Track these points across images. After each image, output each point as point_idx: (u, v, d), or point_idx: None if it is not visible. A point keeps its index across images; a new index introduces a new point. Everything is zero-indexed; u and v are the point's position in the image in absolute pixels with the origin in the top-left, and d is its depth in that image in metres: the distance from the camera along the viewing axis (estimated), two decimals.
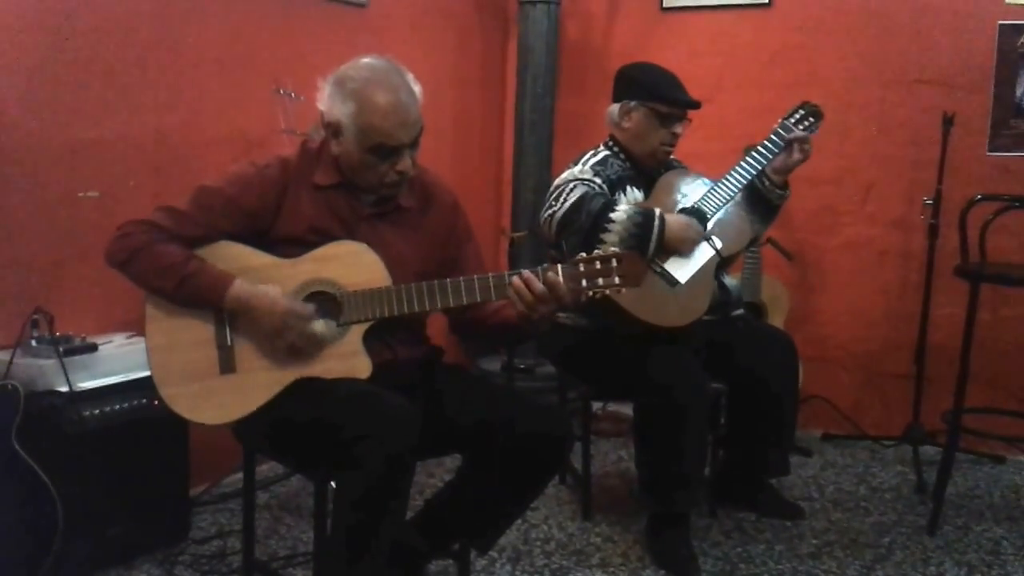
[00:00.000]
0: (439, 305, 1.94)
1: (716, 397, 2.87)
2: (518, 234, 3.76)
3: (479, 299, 1.95)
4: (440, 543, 2.21)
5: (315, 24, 3.29)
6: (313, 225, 2.00)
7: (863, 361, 3.91)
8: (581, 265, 1.92)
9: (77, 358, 2.40)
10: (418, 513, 2.19)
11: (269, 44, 3.11)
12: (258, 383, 1.93)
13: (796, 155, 2.76)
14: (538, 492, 2.12)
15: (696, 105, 2.80)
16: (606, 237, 2.56)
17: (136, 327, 2.50)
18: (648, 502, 2.72)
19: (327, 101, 1.98)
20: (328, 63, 2.04)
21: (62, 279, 2.58)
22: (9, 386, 2.24)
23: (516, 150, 4.15)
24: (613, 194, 2.72)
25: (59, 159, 2.55)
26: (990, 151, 3.65)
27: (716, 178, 2.80)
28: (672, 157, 2.92)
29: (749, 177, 2.77)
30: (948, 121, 3.53)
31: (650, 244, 2.59)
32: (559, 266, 1.93)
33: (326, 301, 1.96)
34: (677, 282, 2.65)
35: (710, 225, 2.72)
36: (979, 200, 2.88)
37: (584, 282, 1.92)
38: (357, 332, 1.95)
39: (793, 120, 2.80)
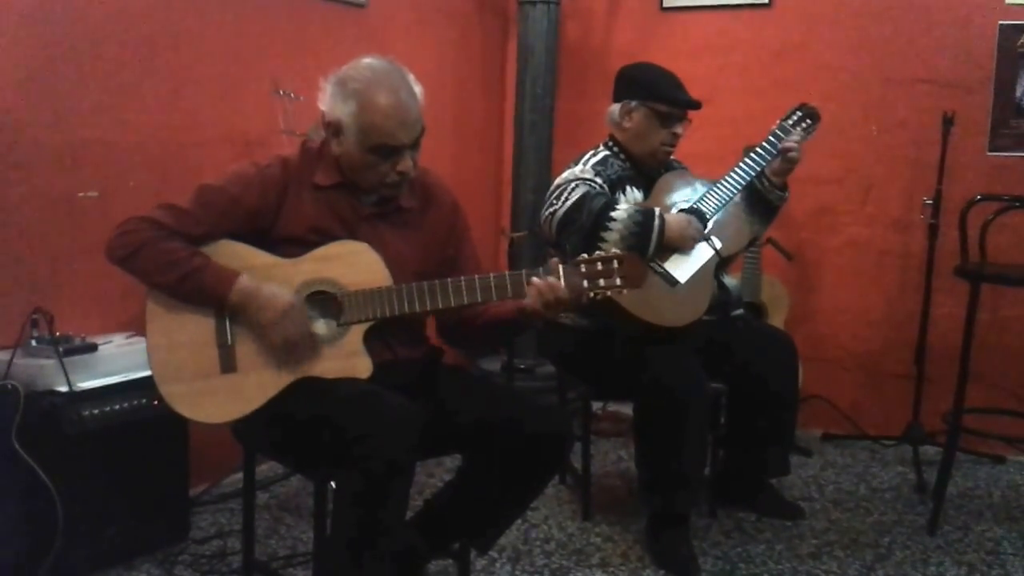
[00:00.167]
0: (440, 305, 1.94)
1: (716, 397, 2.87)
2: (518, 234, 3.76)
3: (480, 299, 1.95)
4: (440, 543, 2.21)
5: (315, 24, 3.29)
6: (314, 225, 2.00)
7: (863, 361, 3.91)
8: (583, 266, 1.93)
9: (77, 358, 2.40)
10: (418, 513, 2.19)
11: (269, 44, 3.11)
12: (258, 382, 1.93)
13: (786, 163, 2.77)
14: (538, 492, 2.12)
15: (696, 105, 2.80)
16: (607, 236, 2.56)
17: (136, 327, 2.51)
18: (648, 502, 2.72)
19: (328, 101, 1.98)
20: (328, 63, 2.04)
21: (62, 279, 2.58)
22: (9, 386, 2.24)
23: (516, 150, 4.15)
24: (613, 194, 2.72)
25: (59, 159, 2.55)
26: (990, 151, 3.65)
27: (716, 179, 2.80)
28: (672, 158, 2.92)
29: (748, 178, 2.77)
30: (948, 121, 3.53)
31: (650, 243, 2.59)
32: (560, 267, 1.93)
33: (327, 301, 1.96)
34: (677, 282, 2.65)
35: (709, 225, 2.73)
36: (979, 200, 2.88)
37: (586, 283, 1.93)
38: (358, 332, 1.95)
39: (791, 122, 2.81)
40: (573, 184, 2.68)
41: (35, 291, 2.48)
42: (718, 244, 2.72)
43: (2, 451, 2.22)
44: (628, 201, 2.74)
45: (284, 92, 2.99)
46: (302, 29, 3.24)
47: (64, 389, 2.33)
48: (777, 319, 3.71)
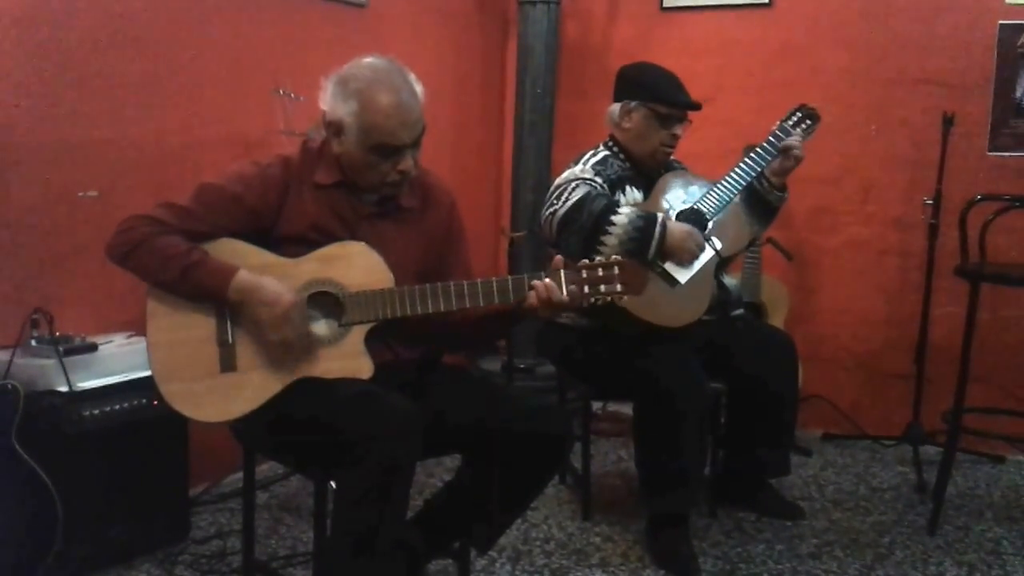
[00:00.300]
0: (442, 307, 1.94)
1: (716, 397, 2.87)
2: (518, 234, 3.76)
3: (481, 303, 1.95)
4: (440, 543, 2.21)
5: (315, 24, 3.29)
6: (314, 224, 2.00)
7: (863, 361, 3.91)
8: (583, 272, 1.94)
9: (77, 358, 2.40)
10: (418, 513, 2.19)
11: (269, 44, 3.11)
12: (259, 382, 1.93)
13: (788, 161, 2.77)
14: (538, 492, 2.12)
15: (696, 106, 2.80)
16: (606, 239, 2.56)
17: (136, 327, 2.51)
18: (648, 502, 2.72)
19: (329, 100, 1.98)
20: (328, 63, 2.04)
21: (62, 279, 2.58)
22: (9, 386, 2.24)
23: (516, 150, 4.15)
24: (613, 194, 2.72)
25: (59, 159, 2.55)
26: (990, 151, 3.65)
27: (716, 179, 2.80)
28: (672, 158, 2.92)
29: (748, 178, 2.77)
30: (948, 121, 3.53)
31: (650, 249, 2.59)
32: (562, 272, 1.93)
33: (328, 301, 1.96)
34: (677, 282, 2.65)
35: (710, 226, 2.73)
36: (979, 200, 2.88)
37: (586, 288, 1.93)
38: (359, 333, 1.95)
39: (791, 123, 2.81)
40: (574, 184, 2.68)
41: (35, 291, 2.48)
42: (718, 244, 2.72)
43: (2, 451, 2.22)
44: (628, 201, 2.73)
45: (284, 92, 2.98)
46: (302, 29, 3.24)
47: (64, 389, 2.33)
48: (777, 319, 3.71)
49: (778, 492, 3.05)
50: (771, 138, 2.79)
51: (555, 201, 2.68)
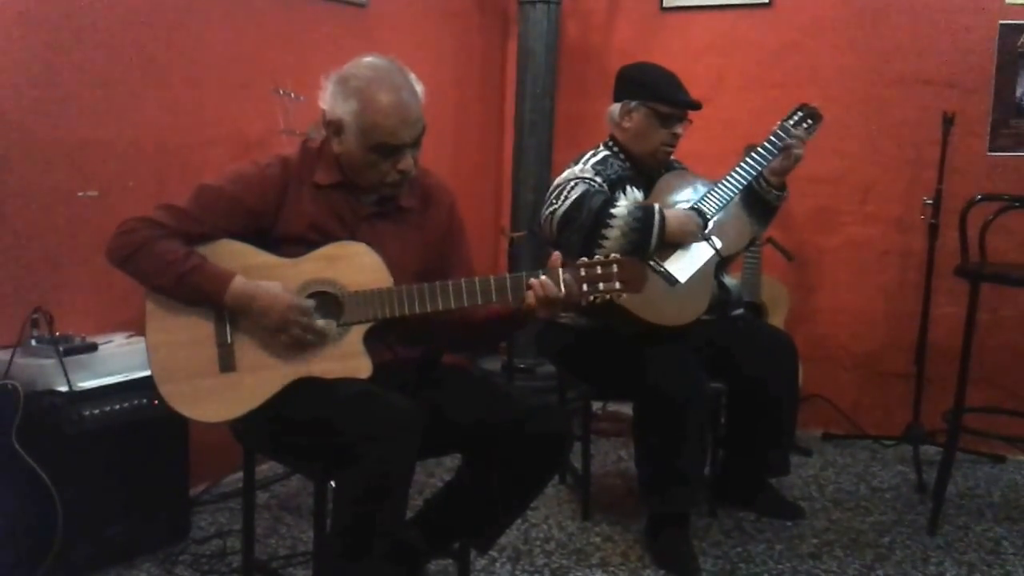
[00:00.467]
0: (440, 306, 1.94)
1: (716, 397, 2.87)
2: (518, 234, 3.76)
3: (480, 301, 1.95)
4: (440, 543, 2.21)
5: (315, 24, 3.29)
6: (314, 224, 2.00)
7: (863, 361, 3.91)
8: (582, 270, 1.94)
9: (77, 358, 2.40)
10: (418, 513, 2.19)
11: (269, 44, 3.11)
12: (258, 382, 1.93)
13: (787, 161, 2.77)
14: (538, 492, 2.11)
15: (697, 106, 2.80)
16: (607, 233, 2.56)
17: (136, 327, 2.50)
18: (648, 502, 2.72)
19: (329, 100, 1.98)
20: (328, 63, 2.04)
21: (62, 279, 2.58)
22: (9, 386, 2.25)
23: (516, 150, 4.16)
24: (613, 194, 2.72)
25: (59, 159, 2.55)
26: (990, 151, 3.65)
27: (716, 179, 2.80)
28: (672, 158, 2.92)
29: (748, 178, 2.77)
30: (948, 121, 3.53)
31: (651, 239, 2.59)
32: (560, 270, 1.93)
33: (327, 301, 1.96)
34: (677, 281, 2.65)
35: (710, 226, 2.73)
36: (979, 200, 2.88)
37: (585, 287, 1.94)
38: (358, 332, 1.95)
39: (792, 122, 2.80)
40: (573, 183, 2.68)
41: (35, 291, 2.48)
42: (718, 244, 2.72)
43: (2, 451, 2.22)
44: (628, 201, 2.73)
45: (284, 92, 2.98)
46: (302, 29, 3.24)
47: (64, 389, 2.33)
48: (777, 319, 3.71)
49: (778, 492, 3.05)
50: (772, 138, 2.79)
51: (555, 200, 2.68)
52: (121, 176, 2.70)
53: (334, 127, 1.99)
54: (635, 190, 2.79)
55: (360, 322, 1.95)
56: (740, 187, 2.76)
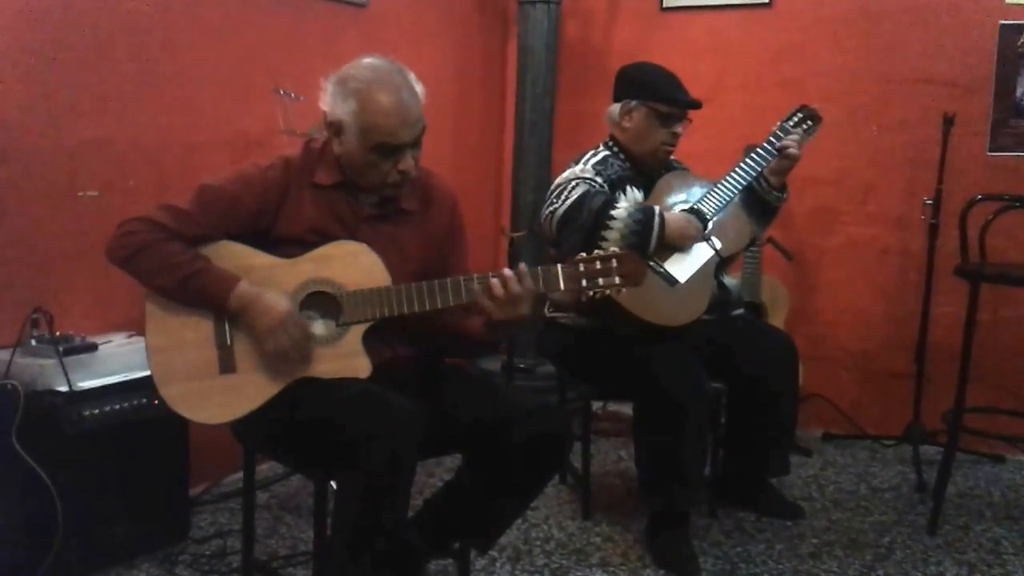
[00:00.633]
0: (439, 304, 1.94)
1: (716, 397, 2.87)
2: (518, 234, 3.76)
3: (477, 298, 1.95)
4: (440, 543, 2.21)
5: (315, 24, 3.29)
6: (313, 226, 2.00)
7: (863, 361, 3.91)
8: (581, 265, 1.92)
9: (77, 358, 2.40)
10: (418, 513, 2.19)
11: (269, 44, 3.11)
12: (257, 383, 1.93)
13: (785, 161, 2.77)
14: (538, 492, 2.11)
15: (697, 105, 2.80)
16: (607, 234, 2.56)
17: (136, 327, 2.50)
18: (648, 502, 2.72)
19: (329, 101, 1.98)
20: (328, 63, 2.04)
21: (62, 279, 2.58)
22: (9, 386, 2.25)
23: (516, 150, 4.16)
24: (613, 194, 2.72)
25: (59, 159, 2.55)
26: (990, 151, 3.65)
27: (716, 179, 2.80)
28: (672, 158, 2.92)
29: (748, 179, 2.77)
30: (948, 121, 3.53)
31: (651, 241, 2.59)
32: (559, 267, 1.93)
33: (326, 301, 1.96)
34: (677, 281, 2.65)
35: (710, 226, 2.73)
36: (979, 200, 2.88)
37: (584, 282, 1.92)
38: (357, 332, 1.95)
39: (791, 123, 2.81)
40: (573, 183, 2.68)
41: (35, 291, 2.48)
42: (718, 244, 2.72)
43: (2, 451, 2.22)
44: (628, 201, 2.74)
45: (284, 92, 2.98)
46: (302, 29, 3.24)
47: (64, 389, 2.33)
48: (777, 319, 3.71)
49: (778, 492, 3.05)
50: (771, 138, 2.79)
51: (555, 200, 2.68)
52: (121, 176, 2.70)
53: (334, 128, 1.99)
54: (635, 190, 2.79)
55: (359, 322, 1.95)
56: (740, 187, 2.76)
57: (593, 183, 2.69)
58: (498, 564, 2.60)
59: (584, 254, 1.94)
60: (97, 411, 2.35)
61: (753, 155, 2.79)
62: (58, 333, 2.44)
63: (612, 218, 2.57)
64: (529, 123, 4.08)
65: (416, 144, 2.00)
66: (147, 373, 1.97)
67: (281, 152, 2.09)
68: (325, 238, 1.99)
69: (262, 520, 2.81)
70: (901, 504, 3.14)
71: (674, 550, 2.62)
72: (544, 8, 4.02)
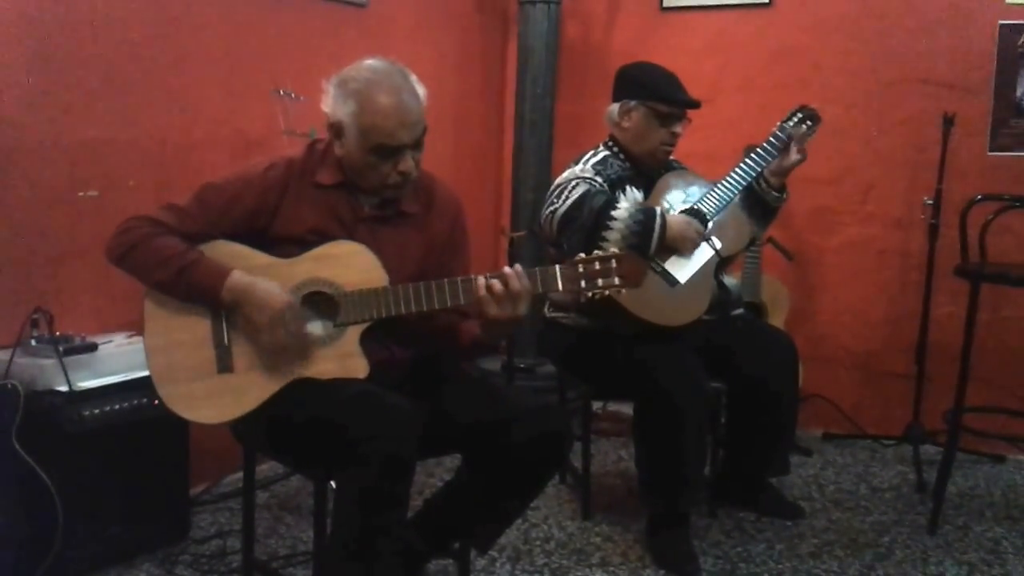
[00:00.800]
0: (436, 305, 1.93)
1: (716, 397, 2.87)
2: (518, 234, 3.76)
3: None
4: (440, 543, 2.21)
5: (315, 24, 3.29)
6: (313, 226, 2.00)
7: (863, 360, 3.91)
8: (580, 266, 1.92)
9: (77, 358, 2.40)
10: (418, 513, 2.19)
11: (269, 44, 3.11)
12: (255, 383, 1.93)
13: (794, 155, 2.77)
14: (538, 492, 2.11)
15: (696, 104, 2.80)
16: (608, 235, 2.56)
17: (136, 327, 2.50)
18: (648, 502, 2.72)
19: (330, 102, 1.98)
20: (328, 63, 2.04)
21: (62, 279, 2.58)
22: (9, 386, 2.25)
23: (516, 150, 4.15)
24: (613, 194, 2.72)
25: (59, 159, 2.55)
26: (990, 151, 3.65)
27: (716, 179, 2.80)
28: (672, 158, 2.92)
29: (748, 179, 2.77)
30: (948, 121, 3.53)
31: (651, 242, 2.59)
32: (558, 267, 1.92)
33: (323, 301, 1.96)
34: (677, 281, 2.65)
35: (710, 226, 2.73)
36: (979, 200, 2.88)
37: (583, 283, 1.92)
38: (354, 332, 1.95)
39: (791, 123, 2.81)
40: (574, 183, 2.68)
41: (35, 291, 2.48)
42: (718, 244, 2.72)
43: (2, 451, 2.22)
44: (628, 201, 2.73)
45: (284, 92, 2.99)
46: (302, 29, 3.24)
47: (64, 389, 2.33)
48: (777, 319, 3.71)
49: (778, 492, 3.05)
50: (771, 139, 2.79)
51: (555, 200, 2.68)
52: (121, 176, 2.70)
53: (335, 130, 1.99)
54: (635, 190, 2.79)
55: (356, 322, 1.94)
56: (739, 188, 2.76)
57: (593, 183, 2.69)
58: (498, 564, 2.60)
59: (583, 255, 1.94)
60: (97, 411, 2.35)
61: (753, 155, 2.79)
62: (58, 333, 2.44)
63: (613, 218, 2.57)
64: (529, 123, 4.08)
65: (417, 146, 1.99)
66: (147, 373, 1.97)
67: (281, 152, 2.09)
68: (324, 238, 1.99)
69: (262, 520, 2.81)
70: (901, 504, 3.14)
71: (674, 550, 2.62)
72: (544, 8, 4.02)
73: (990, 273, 2.81)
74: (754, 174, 2.77)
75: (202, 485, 2.93)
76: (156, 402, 1.95)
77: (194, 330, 1.93)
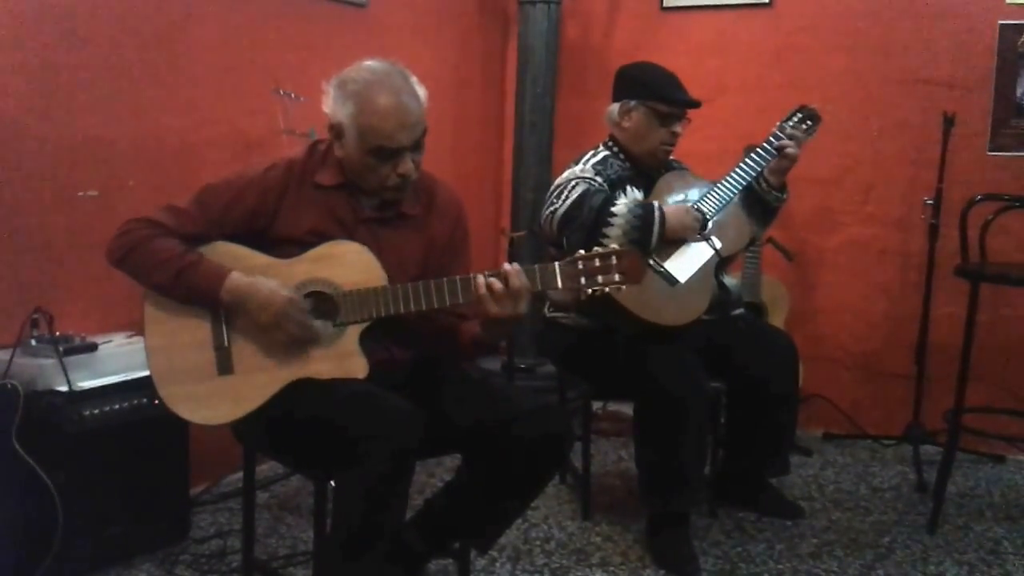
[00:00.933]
0: (435, 304, 1.93)
1: (716, 396, 2.87)
2: (518, 234, 3.76)
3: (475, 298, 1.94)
4: (440, 543, 2.21)
5: (315, 24, 3.29)
6: (312, 227, 1.99)
7: (863, 360, 3.91)
8: (580, 263, 1.90)
9: (77, 358, 2.40)
10: (418, 513, 2.19)
11: (269, 44, 3.11)
12: (255, 384, 1.93)
13: (783, 161, 2.76)
14: (538, 492, 2.11)
15: (696, 104, 2.80)
16: (608, 232, 2.56)
17: (136, 327, 2.50)
18: (648, 502, 2.72)
19: (330, 103, 1.98)
20: (328, 63, 2.04)
21: (62, 279, 2.58)
22: (9, 386, 2.24)
23: (516, 150, 4.16)
24: (613, 194, 2.71)
25: (59, 159, 2.55)
26: (990, 151, 3.65)
27: (716, 179, 2.80)
28: (672, 158, 2.92)
29: (748, 178, 2.77)
30: (948, 121, 3.53)
31: (652, 236, 2.59)
32: (557, 264, 1.92)
33: (323, 301, 1.96)
34: (677, 281, 2.65)
35: (709, 226, 2.73)
36: (979, 200, 2.88)
37: (583, 280, 1.91)
38: (353, 332, 1.95)
39: (791, 123, 2.81)
40: (573, 183, 2.68)
41: (35, 291, 2.48)
42: (718, 244, 2.72)
43: (2, 451, 2.22)
44: (628, 200, 2.73)
45: (284, 92, 2.99)
46: (302, 29, 3.24)
47: (64, 389, 2.33)
48: (777, 319, 3.71)
49: (778, 492, 3.05)
50: (771, 138, 2.79)
51: (555, 200, 2.68)
52: (121, 176, 2.70)
53: (335, 131, 1.99)
54: (635, 190, 2.79)
55: (356, 322, 1.94)
56: (739, 187, 2.76)
57: (593, 183, 2.69)
58: (498, 564, 2.60)
59: (583, 251, 1.93)
60: (97, 411, 2.35)
61: (753, 155, 2.79)
62: (58, 333, 2.44)
63: (612, 215, 2.57)
64: (529, 123, 4.08)
65: (416, 147, 1.99)
66: (147, 373, 1.97)
67: (281, 152, 2.09)
68: (324, 239, 1.99)
69: (262, 520, 2.81)
70: (901, 504, 3.14)
71: (674, 550, 2.62)
72: (544, 8, 4.02)
73: (990, 273, 2.81)
74: (754, 174, 2.77)
75: (202, 485, 2.93)
76: (156, 402, 1.95)
77: (194, 331, 1.93)
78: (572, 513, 2.99)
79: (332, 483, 1.97)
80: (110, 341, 2.54)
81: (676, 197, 2.79)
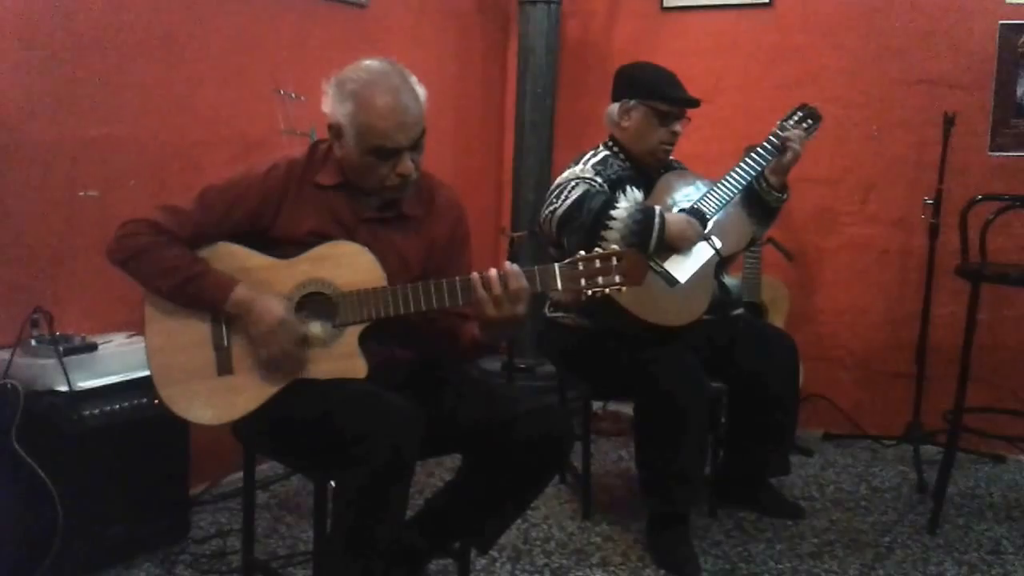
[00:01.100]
0: (435, 305, 1.92)
1: (716, 397, 2.87)
2: (518, 234, 3.76)
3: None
4: (440, 543, 2.21)
5: (315, 24, 3.29)
6: (313, 229, 1.99)
7: (864, 360, 3.91)
8: (580, 264, 1.90)
9: (77, 358, 2.40)
10: (418, 513, 2.19)
11: (269, 44, 3.11)
12: (255, 384, 1.93)
13: (787, 156, 2.76)
14: (538, 492, 2.11)
15: (695, 103, 2.80)
16: (607, 235, 2.56)
17: (136, 327, 2.49)
18: (648, 502, 2.72)
19: (329, 103, 1.97)
20: (328, 64, 2.04)
21: (62, 278, 2.58)
22: (9, 386, 2.25)
23: (516, 150, 4.16)
24: (613, 194, 2.72)
25: (59, 159, 2.55)
26: (991, 151, 3.65)
27: (716, 179, 2.80)
28: (672, 158, 2.92)
29: (748, 178, 2.77)
30: (948, 121, 3.53)
31: (651, 241, 2.59)
32: (556, 266, 1.91)
33: (322, 302, 1.96)
34: (677, 281, 2.65)
35: (709, 225, 2.73)
36: (980, 200, 2.88)
37: (583, 281, 1.90)
38: (353, 333, 1.95)
39: (791, 122, 2.81)
40: (573, 183, 2.68)
41: (35, 291, 2.48)
42: (718, 244, 2.72)
43: (2, 451, 2.22)
44: (628, 201, 2.73)
45: (284, 92, 2.99)
46: (302, 29, 3.24)
47: (64, 389, 2.33)
48: (777, 319, 3.71)
49: (778, 492, 3.05)
50: (771, 138, 2.79)
51: (555, 200, 2.68)
52: (121, 176, 2.70)
53: (334, 131, 1.98)
54: (635, 190, 2.79)
55: (355, 322, 1.94)
56: (740, 187, 2.76)
57: (593, 183, 2.69)
58: (498, 564, 2.60)
59: (583, 253, 1.92)
60: (97, 411, 2.35)
61: (753, 155, 2.79)
62: (58, 333, 2.44)
63: (612, 218, 2.57)
64: (529, 123, 4.08)
65: (415, 147, 1.98)
66: (147, 373, 1.97)
67: (281, 152, 2.08)
68: (324, 239, 1.98)
69: (262, 520, 2.81)
70: (901, 504, 3.14)
71: (674, 550, 2.62)
72: (544, 8, 4.02)
73: (990, 273, 2.81)
74: (754, 174, 2.77)
75: (202, 485, 2.93)
76: (156, 402, 1.95)
77: (194, 332, 1.93)
78: (572, 513, 2.99)
79: (332, 483, 1.97)
80: (110, 341, 2.54)
81: (676, 197, 2.79)
